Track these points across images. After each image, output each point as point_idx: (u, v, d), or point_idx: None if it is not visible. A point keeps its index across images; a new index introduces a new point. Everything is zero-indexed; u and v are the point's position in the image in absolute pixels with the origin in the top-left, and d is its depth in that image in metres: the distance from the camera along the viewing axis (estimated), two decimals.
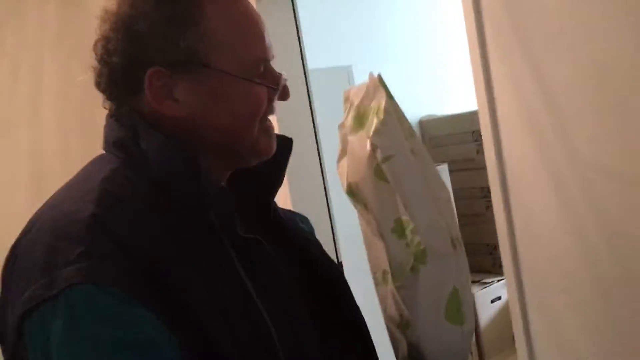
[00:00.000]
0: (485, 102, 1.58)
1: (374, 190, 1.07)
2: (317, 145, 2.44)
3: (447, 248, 1.07)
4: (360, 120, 1.11)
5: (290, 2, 2.37)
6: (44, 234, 0.72)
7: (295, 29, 2.39)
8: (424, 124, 3.74)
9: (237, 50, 0.80)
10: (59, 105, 2.62)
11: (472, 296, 1.14)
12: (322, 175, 2.45)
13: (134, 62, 0.79)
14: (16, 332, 0.69)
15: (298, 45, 2.39)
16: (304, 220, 1.03)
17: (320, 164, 2.43)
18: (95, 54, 0.82)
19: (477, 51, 1.57)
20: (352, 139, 1.12)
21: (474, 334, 1.13)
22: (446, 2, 3.48)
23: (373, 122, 1.08)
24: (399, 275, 1.06)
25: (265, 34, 0.84)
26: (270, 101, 0.83)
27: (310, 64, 2.39)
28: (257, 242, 0.80)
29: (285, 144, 0.90)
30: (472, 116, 1.98)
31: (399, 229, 1.06)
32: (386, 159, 1.05)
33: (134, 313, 0.66)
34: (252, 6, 0.84)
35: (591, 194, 1.43)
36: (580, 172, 1.44)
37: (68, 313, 0.65)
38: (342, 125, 1.16)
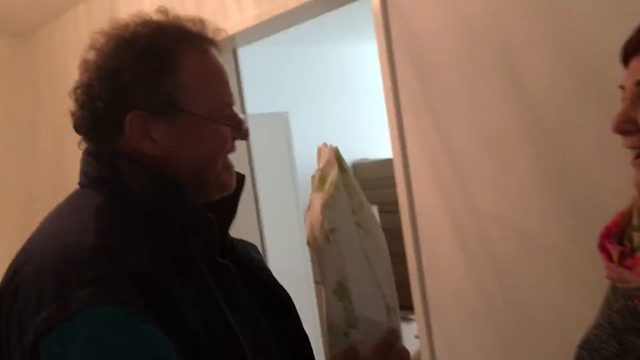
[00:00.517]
0: (399, 156, 1.80)
1: (323, 250, 1.15)
2: (254, 187, 2.62)
3: (381, 317, 1.16)
4: (322, 182, 1.21)
5: (232, 51, 2.58)
6: (50, 262, 0.79)
7: (236, 76, 2.59)
8: (356, 167, 3.95)
9: (206, 96, 0.91)
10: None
11: None
12: (257, 215, 2.62)
13: (117, 106, 0.88)
14: (33, 353, 0.75)
15: (238, 92, 2.58)
16: (254, 248, 1.11)
17: (257, 204, 2.60)
18: (76, 99, 0.91)
19: (393, 111, 1.79)
20: (315, 196, 1.21)
21: None
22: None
23: (327, 192, 1.19)
24: (334, 335, 1.16)
25: (229, 83, 0.96)
26: (233, 140, 0.94)
27: (250, 109, 2.58)
28: (228, 267, 0.91)
29: (239, 180, 0.99)
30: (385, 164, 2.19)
31: (339, 292, 1.16)
32: (332, 230, 1.13)
33: (146, 328, 0.76)
34: (218, 59, 0.96)
35: (485, 239, 1.65)
36: (477, 219, 1.66)
37: (88, 332, 0.73)
38: (313, 177, 1.26)
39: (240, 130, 0.96)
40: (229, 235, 1.04)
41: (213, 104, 0.92)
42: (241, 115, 0.97)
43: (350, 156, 3.85)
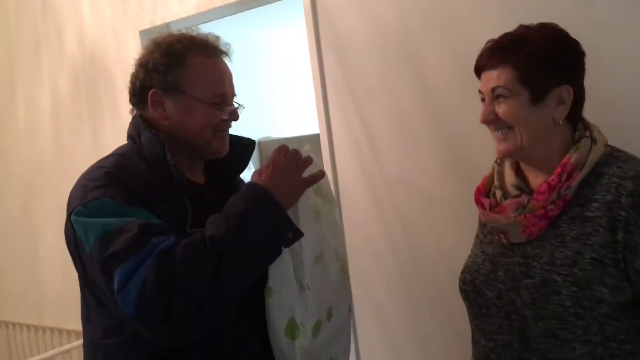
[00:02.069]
0: (325, 130, 2.15)
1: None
2: None
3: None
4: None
5: None
6: (80, 183, 1.26)
7: None
8: (262, 144, 4.18)
9: (203, 86, 1.30)
10: None
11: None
12: None
13: (144, 85, 1.31)
14: (71, 228, 1.20)
15: None
16: None
17: None
18: (130, 83, 1.35)
19: (320, 94, 2.12)
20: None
21: None
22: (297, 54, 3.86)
23: None
24: None
25: (227, 80, 1.34)
26: (223, 120, 1.33)
27: None
28: (201, 194, 1.31)
29: (249, 143, 1.43)
30: (299, 140, 2.50)
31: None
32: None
33: (133, 209, 1.18)
34: (219, 62, 1.33)
35: (394, 197, 2.02)
36: (387, 182, 2.02)
37: (91, 210, 1.17)
38: None
39: (225, 113, 1.33)
40: (240, 179, 1.47)
41: (207, 92, 1.31)
42: (233, 105, 1.35)
43: (255, 136, 3.99)
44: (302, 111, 3.15)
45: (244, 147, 1.43)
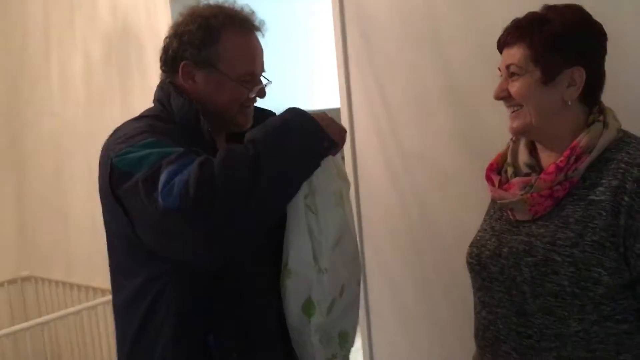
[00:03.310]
0: (345, 106, 2.18)
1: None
2: None
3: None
4: None
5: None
6: (117, 140, 1.27)
7: None
8: None
9: (235, 63, 1.33)
10: None
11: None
12: None
13: (178, 55, 1.34)
14: (110, 171, 1.21)
15: None
16: None
17: None
18: (162, 47, 1.37)
19: (343, 68, 2.15)
20: None
21: None
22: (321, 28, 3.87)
23: None
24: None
25: (257, 58, 1.37)
26: (249, 97, 1.36)
27: None
28: None
29: (269, 115, 1.41)
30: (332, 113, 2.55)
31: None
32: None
33: (172, 146, 1.20)
34: (253, 39, 1.36)
35: (410, 172, 2.06)
36: (404, 158, 2.06)
37: (141, 148, 1.20)
38: None
39: (252, 91, 1.37)
40: None
41: (238, 70, 1.34)
42: (262, 83, 1.38)
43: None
44: (324, 85, 3.19)
45: (265, 119, 1.46)
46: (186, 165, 1.14)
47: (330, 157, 1.33)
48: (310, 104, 3.83)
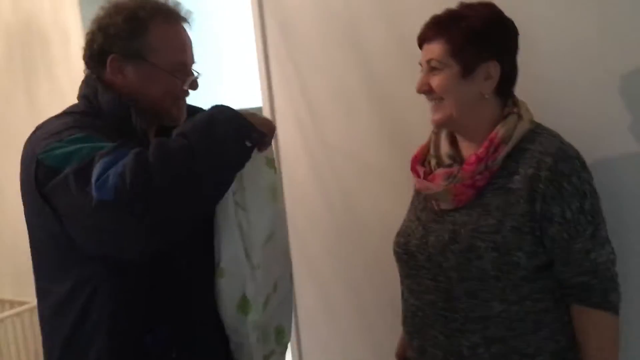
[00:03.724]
0: (267, 102, 2.18)
1: None
2: None
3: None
4: None
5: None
6: (42, 135, 1.23)
7: None
8: None
9: (165, 54, 1.30)
10: None
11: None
12: None
13: (104, 49, 1.29)
14: (35, 164, 1.17)
15: None
16: None
17: None
18: (84, 42, 1.33)
19: (263, 66, 2.16)
20: None
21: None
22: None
23: None
24: None
25: (188, 48, 1.34)
26: (182, 89, 1.34)
27: None
28: None
29: (199, 111, 1.37)
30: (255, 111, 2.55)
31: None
32: None
33: (99, 141, 1.17)
34: (181, 29, 1.33)
35: (334, 167, 2.09)
36: (328, 152, 2.09)
37: (69, 142, 1.16)
38: None
39: (184, 82, 1.34)
40: None
41: (169, 61, 1.31)
42: (194, 74, 1.36)
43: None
44: (245, 83, 3.17)
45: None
46: (121, 157, 1.11)
47: (261, 153, 1.33)
48: (231, 102, 3.82)
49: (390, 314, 1.96)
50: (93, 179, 1.10)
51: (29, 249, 3.24)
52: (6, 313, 3.01)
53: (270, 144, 1.36)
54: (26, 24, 2.87)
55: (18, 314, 2.98)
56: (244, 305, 1.33)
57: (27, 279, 2.97)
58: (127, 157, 1.11)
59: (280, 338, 1.44)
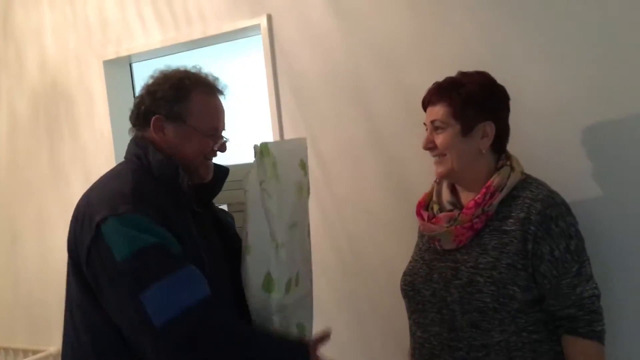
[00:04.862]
0: None
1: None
2: None
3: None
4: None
5: (129, 66, 2.97)
6: (106, 195, 1.35)
7: (131, 87, 2.99)
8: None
9: (202, 119, 1.48)
10: None
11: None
12: None
13: (150, 110, 1.47)
14: (94, 232, 1.29)
15: (133, 100, 2.95)
16: (230, 216, 1.71)
17: None
18: (133, 104, 1.50)
19: (277, 123, 2.33)
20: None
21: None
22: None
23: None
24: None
25: (221, 116, 1.52)
26: (213, 150, 1.51)
27: None
28: (202, 214, 1.49)
29: (224, 170, 1.58)
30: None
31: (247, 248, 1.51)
32: (245, 191, 1.52)
33: (160, 229, 1.30)
34: (217, 100, 1.51)
35: (342, 217, 2.24)
36: (336, 203, 2.24)
37: (124, 223, 1.28)
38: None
39: (216, 144, 1.52)
40: (213, 204, 1.63)
41: (205, 125, 1.49)
42: (224, 137, 1.54)
43: None
44: (258, 139, 3.35)
45: (220, 174, 1.60)
46: (180, 283, 1.28)
47: (301, 152, 1.56)
48: (247, 157, 3.96)
49: (394, 348, 2.09)
50: (149, 295, 1.25)
51: (43, 299, 3.33)
52: None
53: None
54: (52, 85, 3.06)
55: None
56: (268, 283, 1.46)
57: (42, 328, 3.10)
58: (192, 300, 1.28)
59: (301, 334, 1.55)
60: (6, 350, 3.35)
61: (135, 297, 1.25)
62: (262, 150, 1.49)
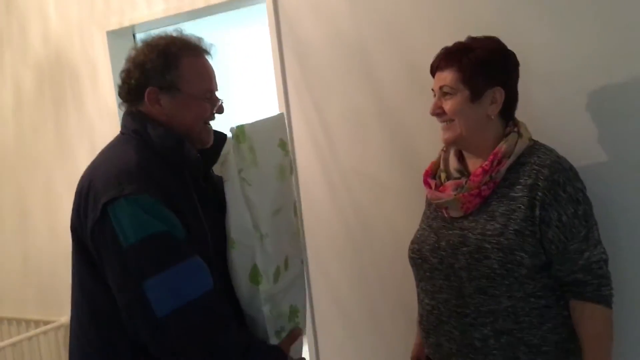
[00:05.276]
0: (287, 128, 2.31)
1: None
2: None
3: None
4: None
5: (132, 36, 2.93)
6: (110, 173, 1.33)
7: None
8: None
9: (195, 83, 1.45)
10: None
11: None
12: None
13: (142, 83, 1.43)
14: (100, 213, 1.29)
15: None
16: (221, 179, 1.64)
17: None
18: (120, 79, 1.46)
19: (282, 91, 2.31)
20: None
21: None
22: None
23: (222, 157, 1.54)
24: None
25: (213, 77, 1.49)
26: (212, 113, 1.49)
27: None
28: (206, 188, 1.48)
29: (221, 136, 1.54)
30: None
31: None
32: (224, 181, 1.49)
33: (165, 210, 1.30)
34: (206, 61, 1.48)
35: (349, 186, 2.23)
36: (343, 173, 2.23)
37: (131, 204, 1.28)
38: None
39: (214, 107, 1.51)
40: (212, 173, 1.60)
41: (199, 89, 1.47)
42: (219, 99, 1.52)
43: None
44: (264, 109, 3.36)
45: (218, 140, 1.57)
46: (186, 272, 1.30)
47: (279, 131, 1.52)
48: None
49: (402, 319, 2.12)
50: (153, 282, 1.26)
51: (53, 270, 3.37)
52: (32, 332, 3.14)
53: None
54: (56, 57, 3.05)
55: (45, 332, 3.12)
56: (255, 275, 1.45)
57: (52, 299, 3.14)
58: (195, 294, 1.30)
59: (293, 317, 1.56)
60: (18, 321, 3.41)
61: (139, 284, 1.27)
62: (238, 135, 1.46)
